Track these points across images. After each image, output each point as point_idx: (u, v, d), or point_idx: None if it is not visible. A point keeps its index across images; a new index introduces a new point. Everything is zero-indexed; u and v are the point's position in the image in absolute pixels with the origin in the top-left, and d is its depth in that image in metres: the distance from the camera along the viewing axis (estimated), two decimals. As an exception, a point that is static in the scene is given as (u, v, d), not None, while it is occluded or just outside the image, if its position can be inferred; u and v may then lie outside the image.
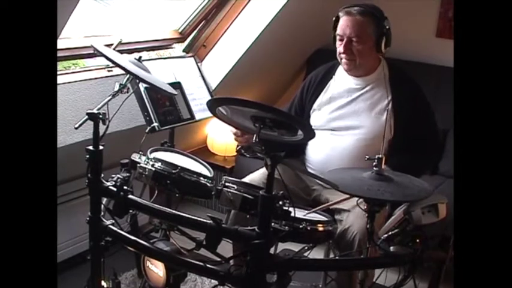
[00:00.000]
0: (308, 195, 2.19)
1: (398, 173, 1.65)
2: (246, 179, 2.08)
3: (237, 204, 1.64)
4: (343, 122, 2.13)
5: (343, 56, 2.09)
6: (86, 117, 1.69)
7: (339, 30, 2.08)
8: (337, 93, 2.18)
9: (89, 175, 1.72)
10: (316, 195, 2.18)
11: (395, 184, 1.58)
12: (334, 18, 2.11)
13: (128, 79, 1.89)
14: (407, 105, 2.08)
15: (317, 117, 2.20)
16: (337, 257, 1.98)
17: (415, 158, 2.05)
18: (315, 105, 2.22)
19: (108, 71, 2.61)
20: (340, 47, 2.08)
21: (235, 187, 1.66)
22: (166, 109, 2.38)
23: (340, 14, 2.08)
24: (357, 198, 1.63)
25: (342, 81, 2.19)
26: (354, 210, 1.92)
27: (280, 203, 1.53)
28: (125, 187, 1.74)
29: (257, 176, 2.11)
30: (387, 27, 2.04)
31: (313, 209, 1.81)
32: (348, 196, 1.69)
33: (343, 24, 2.06)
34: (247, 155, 1.63)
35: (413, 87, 2.14)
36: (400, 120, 2.07)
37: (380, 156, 1.61)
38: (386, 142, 1.77)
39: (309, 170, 2.20)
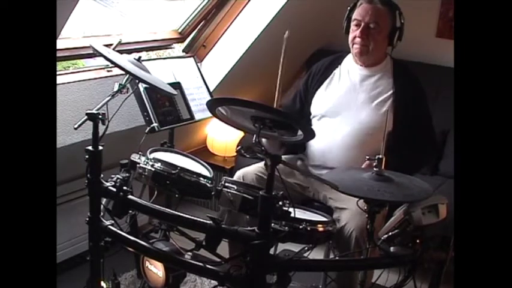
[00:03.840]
0: (305, 192, 2.20)
1: (398, 174, 1.65)
2: (240, 172, 2.10)
3: (237, 205, 1.64)
4: (344, 111, 2.15)
5: (358, 40, 2.11)
6: (86, 117, 1.68)
7: (356, 16, 2.11)
8: (341, 83, 2.20)
9: (89, 175, 1.72)
10: (314, 192, 2.19)
11: (396, 184, 1.58)
12: (349, 8, 2.15)
13: (127, 79, 1.88)
14: (408, 101, 2.10)
15: (319, 103, 2.22)
16: (337, 258, 1.98)
17: (411, 154, 2.06)
18: (318, 93, 2.23)
19: (108, 71, 2.61)
20: (356, 32, 2.11)
21: (235, 187, 1.66)
22: (165, 109, 2.38)
23: (361, 2, 2.11)
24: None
25: (347, 71, 2.22)
26: (351, 208, 1.93)
27: (280, 203, 1.52)
28: (125, 187, 1.73)
29: (251, 169, 2.13)
30: (402, 21, 2.10)
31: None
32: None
33: (363, 11, 2.09)
34: (247, 155, 1.63)
35: (416, 84, 2.17)
36: (399, 114, 2.09)
37: (380, 156, 1.61)
38: (386, 135, 1.79)
39: (309, 159, 2.21)
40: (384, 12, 2.08)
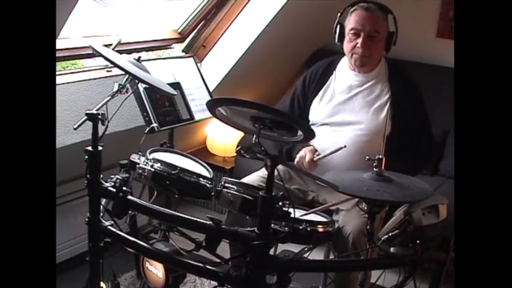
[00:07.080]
0: (305, 195, 2.19)
1: (398, 174, 1.65)
2: (243, 181, 2.07)
3: (237, 205, 1.64)
4: (342, 118, 2.14)
5: (359, 51, 2.07)
6: (85, 117, 1.68)
7: (354, 24, 2.06)
8: (337, 89, 2.19)
9: (88, 176, 1.72)
10: (314, 195, 2.18)
11: (395, 185, 1.58)
12: (339, 14, 2.11)
13: (127, 79, 1.88)
14: (405, 103, 2.09)
15: (316, 112, 2.21)
16: (336, 259, 1.98)
17: (410, 156, 2.05)
18: (315, 101, 2.22)
19: (107, 71, 2.61)
20: (355, 41, 2.06)
21: (235, 188, 1.66)
22: (165, 109, 2.38)
23: (355, 9, 2.07)
24: (353, 199, 1.62)
25: (342, 77, 2.20)
26: (349, 210, 1.93)
27: (280, 204, 1.52)
28: (124, 188, 1.73)
29: (254, 178, 2.11)
30: (396, 25, 2.08)
31: (312, 210, 1.81)
32: (346, 198, 1.69)
33: (361, 20, 2.04)
34: (247, 156, 1.63)
35: (412, 85, 2.16)
36: (397, 117, 2.08)
37: (380, 156, 1.61)
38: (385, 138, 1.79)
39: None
40: (381, 18, 2.05)
